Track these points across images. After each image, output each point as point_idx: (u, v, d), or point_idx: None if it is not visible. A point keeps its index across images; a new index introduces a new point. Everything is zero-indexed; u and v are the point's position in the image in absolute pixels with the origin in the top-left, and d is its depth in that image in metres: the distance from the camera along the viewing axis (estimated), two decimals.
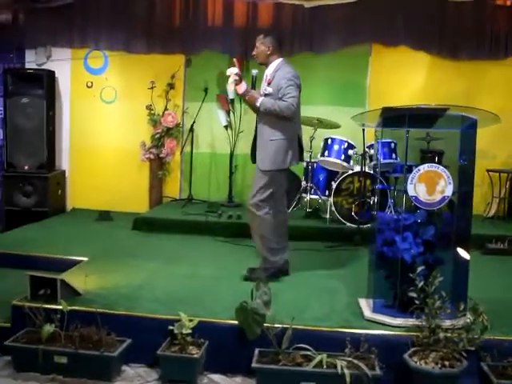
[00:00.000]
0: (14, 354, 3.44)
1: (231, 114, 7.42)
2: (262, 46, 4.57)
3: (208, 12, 7.29)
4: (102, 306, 3.69)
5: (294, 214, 6.52)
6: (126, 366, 3.53)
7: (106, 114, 7.64)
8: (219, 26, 7.26)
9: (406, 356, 3.22)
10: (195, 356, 3.33)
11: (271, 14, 7.19)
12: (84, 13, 7.32)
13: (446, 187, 3.55)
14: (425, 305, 3.28)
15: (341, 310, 3.86)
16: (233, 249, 5.71)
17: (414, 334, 3.33)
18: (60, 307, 3.49)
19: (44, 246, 5.45)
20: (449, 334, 3.21)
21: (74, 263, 4.86)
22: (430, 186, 3.55)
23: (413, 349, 3.27)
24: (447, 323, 3.32)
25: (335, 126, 6.49)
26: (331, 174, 6.65)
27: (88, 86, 7.60)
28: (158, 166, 7.54)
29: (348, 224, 6.19)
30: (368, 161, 6.30)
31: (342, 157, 6.43)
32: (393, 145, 6.26)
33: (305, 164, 6.73)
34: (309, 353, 3.30)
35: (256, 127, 4.63)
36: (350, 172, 6.33)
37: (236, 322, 3.48)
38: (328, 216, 6.39)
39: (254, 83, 4.62)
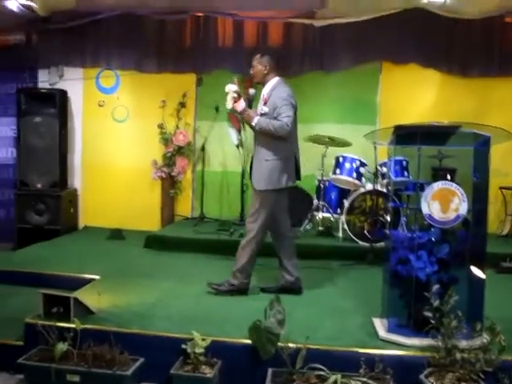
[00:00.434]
0: (27, 372, 3.42)
1: (242, 132, 7.43)
2: (258, 65, 4.62)
3: (218, 32, 7.34)
4: (115, 324, 3.69)
5: (307, 232, 6.50)
6: None
7: (117, 133, 7.69)
8: (230, 45, 7.31)
9: (422, 377, 3.17)
10: (208, 375, 3.31)
11: (281, 33, 7.22)
12: (96, 33, 7.40)
13: (460, 205, 3.53)
14: (440, 324, 3.24)
15: (355, 329, 3.83)
16: None
17: (430, 354, 3.29)
18: (73, 325, 3.48)
19: (56, 263, 5.46)
20: (465, 355, 3.17)
21: (86, 281, 4.86)
22: (444, 203, 3.53)
23: (429, 369, 3.23)
24: (463, 343, 3.28)
25: (346, 144, 6.49)
26: (343, 192, 6.64)
27: (100, 105, 7.67)
28: (170, 184, 7.56)
29: (361, 242, 6.16)
30: (380, 179, 6.28)
31: (354, 175, 6.43)
32: (404, 163, 6.25)
33: (316, 182, 6.74)
34: (323, 373, 3.26)
35: (253, 147, 4.65)
36: (362, 190, 6.32)
37: (249, 342, 3.46)
38: (340, 234, 6.38)
39: (251, 102, 4.66)
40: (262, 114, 4.51)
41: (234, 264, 4.64)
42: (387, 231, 5.64)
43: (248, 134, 7.38)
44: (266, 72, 4.59)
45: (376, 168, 6.14)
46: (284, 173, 4.52)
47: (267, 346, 3.35)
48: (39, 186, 7.21)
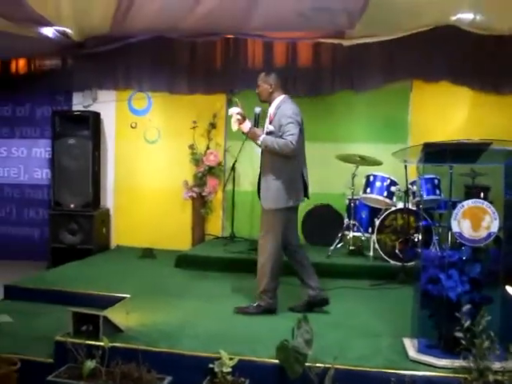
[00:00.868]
0: None
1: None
2: (264, 84, 4.64)
3: (248, 53, 7.42)
4: (143, 343, 3.71)
5: (337, 251, 6.46)
6: None
7: (149, 154, 7.79)
8: (259, 66, 7.35)
9: None
10: None
11: (310, 53, 7.26)
12: (128, 56, 7.54)
13: (491, 223, 3.47)
14: (472, 345, 3.15)
15: (385, 349, 3.77)
16: None
17: (462, 375, 3.20)
18: (101, 343, 3.50)
19: (88, 282, 5.53)
20: (499, 377, 3.08)
21: (117, 300, 4.86)
22: (475, 222, 3.47)
23: None
24: (497, 365, 3.18)
25: (377, 163, 6.45)
26: (374, 211, 6.60)
27: (132, 127, 7.79)
28: (201, 204, 7.60)
29: (392, 262, 6.09)
30: (411, 197, 6.21)
31: (385, 193, 6.39)
32: (436, 181, 6.18)
33: (347, 201, 6.71)
34: None
35: (260, 165, 4.66)
36: (393, 209, 6.26)
37: (277, 361, 3.43)
38: (371, 253, 6.32)
39: (257, 121, 4.64)
40: (268, 133, 4.51)
41: (256, 286, 4.63)
42: (418, 250, 5.58)
43: None
44: (271, 90, 4.61)
45: (407, 186, 6.07)
46: (292, 191, 4.51)
47: (295, 365, 3.32)
48: (72, 206, 7.33)
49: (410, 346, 3.70)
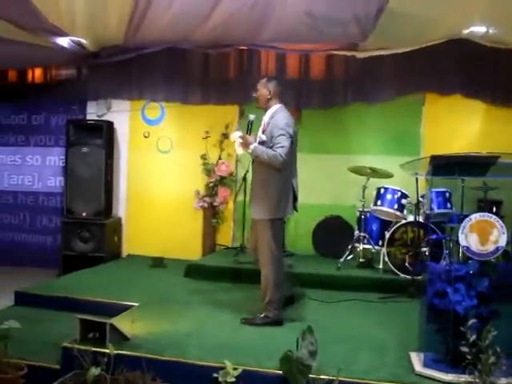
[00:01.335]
0: None
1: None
2: (263, 89, 4.63)
3: (261, 64, 7.46)
4: (149, 351, 3.72)
5: (347, 263, 6.44)
6: None
7: (161, 164, 7.84)
8: (272, 77, 7.38)
9: None
10: None
11: (323, 65, 7.28)
12: (142, 67, 7.62)
13: (499, 237, 3.45)
14: (477, 360, 3.12)
15: (391, 363, 3.75)
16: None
17: None
18: (107, 351, 3.51)
19: (97, 290, 5.56)
20: None
21: (125, 308, 4.93)
22: (483, 235, 3.45)
23: None
24: (503, 381, 3.16)
25: (388, 176, 6.43)
26: (384, 224, 6.57)
27: (145, 136, 7.85)
28: (212, 214, 7.62)
29: (402, 275, 6.05)
30: (422, 210, 6.17)
31: (395, 206, 6.36)
32: (447, 194, 6.15)
33: (358, 213, 6.69)
34: None
35: (252, 175, 4.70)
36: (404, 222, 6.23)
37: (280, 372, 3.42)
38: (381, 266, 6.29)
39: (250, 128, 4.62)
40: (260, 142, 4.50)
41: (262, 298, 4.63)
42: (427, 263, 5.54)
43: None
44: (269, 97, 4.60)
45: (418, 199, 6.04)
46: (281, 203, 4.49)
47: (298, 376, 3.31)
48: (85, 214, 7.39)
49: (417, 359, 3.67)
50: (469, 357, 3.17)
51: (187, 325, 4.50)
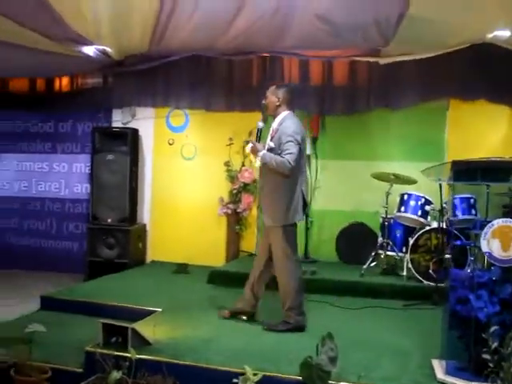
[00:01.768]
0: None
1: (307, 169, 7.46)
2: (272, 96, 4.65)
3: (284, 71, 7.46)
4: (170, 356, 3.76)
5: (371, 270, 6.40)
6: None
7: (186, 170, 7.90)
8: (295, 84, 7.42)
9: None
10: None
11: (346, 71, 7.26)
12: (166, 74, 7.70)
13: None
14: (499, 368, 3.08)
15: (412, 370, 3.73)
16: (305, 304, 5.62)
17: None
18: (129, 355, 3.56)
19: (121, 296, 5.63)
20: None
21: (148, 313, 4.98)
22: (505, 241, 3.42)
23: None
24: None
25: (411, 182, 6.39)
26: (408, 230, 6.52)
27: (170, 144, 7.92)
28: (235, 220, 7.65)
29: (426, 282, 6.00)
30: (446, 217, 6.11)
31: (419, 212, 6.32)
32: (472, 200, 6.08)
33: (381, 219, 6.65)
34: None
35: (260, 182, 4.75)
36: (428, 228, 6.18)
37: (300, 378, 3.42)
38: (405, 273, 6.24)
39: (259, 135, 4.64)
40: (268, 149, 4.51)
41: (282, 304, 4.65)
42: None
43: (313, 172, 7.43)
44: (278, 104, 4.62)
45: (441, 206, 5.98)
46: (290, 209, 4.50)
47: (317, 382, 3.31)
48: (110, 220, 7.48)
49: (439, 367, 3.64)
50: (491, 364, 3.14)
51: (208, 330, 4.53)
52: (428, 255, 6.07)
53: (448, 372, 3.50)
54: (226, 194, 7.69)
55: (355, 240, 7.09)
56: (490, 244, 3.42)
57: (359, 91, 7.26)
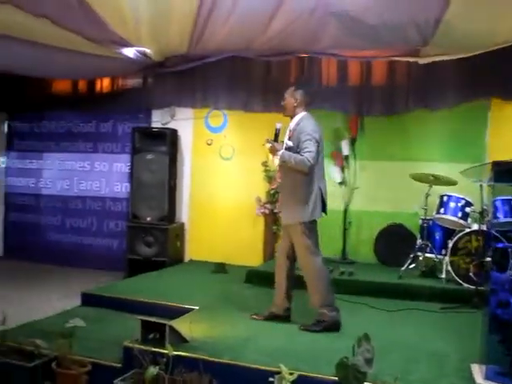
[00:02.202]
0: None
1: (345, 170, 7.45)
2: (290, 98, 4.74)
3: (322, 71, 7.46)
4: (207, 353, 3.79)
5: (409, 272, 6.32)
6: None
7: (224, 170, 7.97)
8: (333, 84, 7.40)
9: None
10: None
11: (385, 71, 7.20)
12: (205, 75, 7.79)
13: None
14: None
15: (450, 374, 3.67)
16: (342, 305, 5.56)
17: None
18: (166, 351, 3.61)
19: (160, 293, 5.71)
20: None
21: (185, 311, 5.04)
22: None
23: None
24: None
25: (451, 183, 6.29)
26: (448, 232, 6.42)
27: (208, 144, 8.00)
28: (273, 220, 7.66)
29: (465, 285, 5.90)
30: (487, 219, 5.99)
31: (459, 214, 6.21)
32: None
33: (420, 221, 6.57)
34: None
35: (279, 181, 4.77)
36: (468, 230, 6.07)
37: (336, 378, 3.41)
38: (444, 276, 6.14)
39: (278, 136, 4.68)
40: (286, 148, 4.56)
41: (313, 304, 4.66)
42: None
43: (351, 172, 7.39)
44: (295, 105, 4.69)
45: (482, 207, 5.87)
46: (310, 206, 4.54)
47: (353, 383, 3.29)
48: (149, 219, 7.60)
49: (478, 371, 3.58)
50: None
51: (245, 329, 4.55)
52: (468, 258, 5.97)
53: (488, 377, 3.44)
54: (264, 194, 7.71)
55: (394, 241, 7.02)
56: None
57: (398, 92, 7.19)
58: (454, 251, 6.04)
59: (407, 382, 3.42)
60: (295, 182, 4.56)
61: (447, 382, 3.49)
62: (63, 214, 8.69)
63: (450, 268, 6.02)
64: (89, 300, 5.67)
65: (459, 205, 6.24)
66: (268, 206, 7.59)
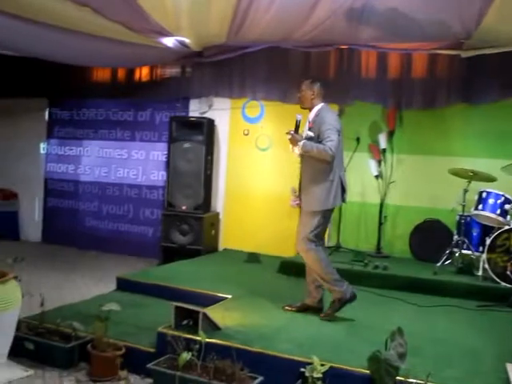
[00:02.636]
0: (155, 377, 3.67)
1: (382, 163, 7.37)
2: (307, 90, 4.77)
3: (362, 63, 7.38)
4: (239, 341, 3.82)
5: (444, 268, 6.24)
6: None
7: (259, 161, 7.98)
8: (373, 77, 7.31)
9: None
10: None
11: (426, 64, 7.08)
12: (243, 66, 7.80)
13: None
14: None
15: (485, 373, 3.63)
16: (376, 299, 5.57)
17: None
18: (199, 338, 3.65)
19: (193, 281, 5.77)
20: None
21: (218, 299, 5.08)
22: None
23: None
24: None
25: (491, 179, 6.17)
26: (486, 229, 6.31)
27: (245, 134, 8.02)
28: None
29: (503, 283, 5.79)
30: None
31: (498, 211, 6.10)
32: None
33: (457, 217, 6.47)
34: None
35: (300, 171, 4.82)
36: (507, 228, 5.95)
37: (367, 372, 3.40)
38: (481, 273, 6.03)
39: (298, 127, 4.70)
40: (307, 138, 4.61)
41: (321, 284, 4.72)
42: None
43: (388, 166, 7.31)
44: (312, 97, 4.74)
45: None
46: (331, 194, 4.60)
47: (385, 377, 3.28)
48: (184, 207, 7.66)
49: None
50: None
51: (277, 319, 4.57)
52: (506, 256, 5.85)
53: None
54: (299, 186, 7.67)
55: (430, 237, 6.93)
56: None
57: (439, 85, 7.07)
58: (492, 248, 5.92)
59: (440, 378, 3.37)
60: (316, 170, 4.63)
61: (481, 381, 3.45)
62: (100, 201, 8.84)
63: (486, 265, 5.92)
64: (124, 285, 5.76)
65: (498, 201, 6.12)
66: None
